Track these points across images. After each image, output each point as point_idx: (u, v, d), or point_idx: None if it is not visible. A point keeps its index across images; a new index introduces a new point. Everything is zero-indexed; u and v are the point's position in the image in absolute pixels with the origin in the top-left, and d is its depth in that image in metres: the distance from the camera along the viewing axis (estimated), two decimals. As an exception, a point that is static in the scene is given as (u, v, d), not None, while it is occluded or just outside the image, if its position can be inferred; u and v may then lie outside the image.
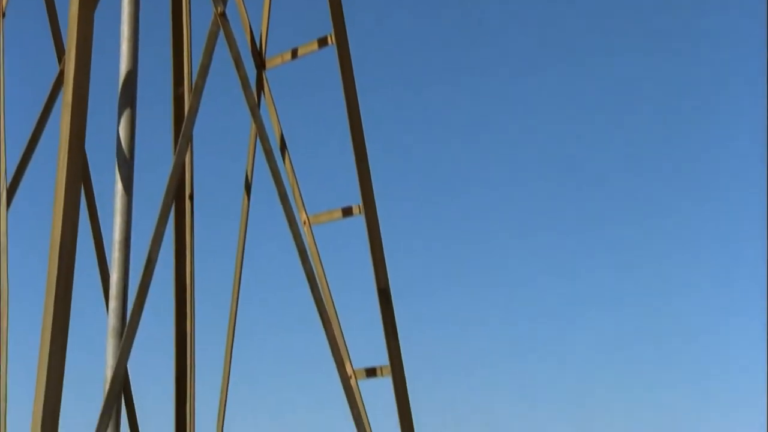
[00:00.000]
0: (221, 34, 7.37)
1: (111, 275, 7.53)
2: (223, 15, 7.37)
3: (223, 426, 7.99)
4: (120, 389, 7.11)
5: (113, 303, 7.46)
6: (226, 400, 8.11)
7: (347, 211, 8.29)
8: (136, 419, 7.57)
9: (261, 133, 7.61)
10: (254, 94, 8.19)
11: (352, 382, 8.24)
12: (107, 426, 6.97)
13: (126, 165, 7.66)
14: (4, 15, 8.48)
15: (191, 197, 8.76)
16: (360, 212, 8.04)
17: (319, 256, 8.57)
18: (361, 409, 8.08)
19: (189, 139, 7.71)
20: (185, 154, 7.97)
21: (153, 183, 7.73)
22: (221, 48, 7.39)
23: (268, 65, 8.93)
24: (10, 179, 8.37)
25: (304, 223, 8.60)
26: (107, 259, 7.69)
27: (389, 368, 7.88)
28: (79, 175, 7.19)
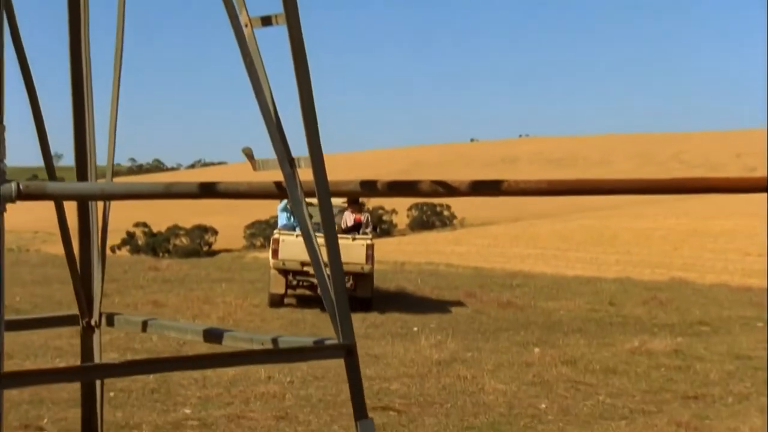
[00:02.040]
0: None
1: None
2: None
3: (119, 77, 8.01)
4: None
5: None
6: (121, 49, 8.09)
7: None
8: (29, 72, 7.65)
9: None
10: None
11: (247, 31, 8.20)
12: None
13: None
14: None
15: None
16: None
17: None
18: (256, 58, 8.08)
19: None
20: None
21: None
22: None
23: None
24: None
25: None
26: None
27: (284, 16, 7.81)
28: None
